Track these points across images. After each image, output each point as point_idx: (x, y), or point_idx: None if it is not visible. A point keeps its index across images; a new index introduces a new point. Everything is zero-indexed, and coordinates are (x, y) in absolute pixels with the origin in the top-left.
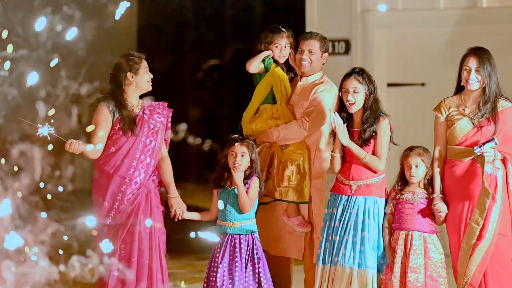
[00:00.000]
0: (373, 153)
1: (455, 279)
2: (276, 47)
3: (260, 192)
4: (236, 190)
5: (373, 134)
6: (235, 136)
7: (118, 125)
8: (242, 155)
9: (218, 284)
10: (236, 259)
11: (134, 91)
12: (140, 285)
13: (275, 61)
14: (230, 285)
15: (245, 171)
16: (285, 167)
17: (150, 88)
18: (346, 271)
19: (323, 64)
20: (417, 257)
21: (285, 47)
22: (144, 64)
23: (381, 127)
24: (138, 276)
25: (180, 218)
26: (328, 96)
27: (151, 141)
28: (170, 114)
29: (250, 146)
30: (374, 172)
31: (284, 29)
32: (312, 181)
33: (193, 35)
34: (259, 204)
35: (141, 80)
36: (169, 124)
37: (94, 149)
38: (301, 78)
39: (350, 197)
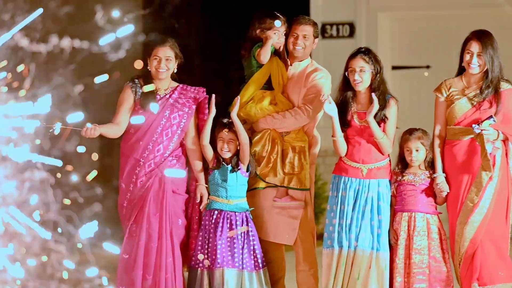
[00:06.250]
0: None
1: (452, 259)
2: (275, 33)
3: (251, 172)
4: (229, 168)
5: (384, 118)
6: (225, 120)
7: (139, 105)
8: (230, 142)
9: (219, 261)
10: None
11: (154, 75)
12: (146, 268)
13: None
14: (230, 261)
15: (232, 156)
16: (287, 154)
17: (159, 76)
18: (366, 255)
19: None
20: (421, 239)
21: (283, 33)
22: (156, 51)
23: (392, 111)
24: (145, 260)
25: (202, 207)
26: (326, 84)
27: (172, 124)
28: (206, 100)
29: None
30: (382, 154)
31: (281, 15)
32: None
33: (197, 18)
34: (253, 189)
35: (151, 66)
36: (206, 110)
37: (114, 128)
38: (291, 63)
39: (362, 180)
